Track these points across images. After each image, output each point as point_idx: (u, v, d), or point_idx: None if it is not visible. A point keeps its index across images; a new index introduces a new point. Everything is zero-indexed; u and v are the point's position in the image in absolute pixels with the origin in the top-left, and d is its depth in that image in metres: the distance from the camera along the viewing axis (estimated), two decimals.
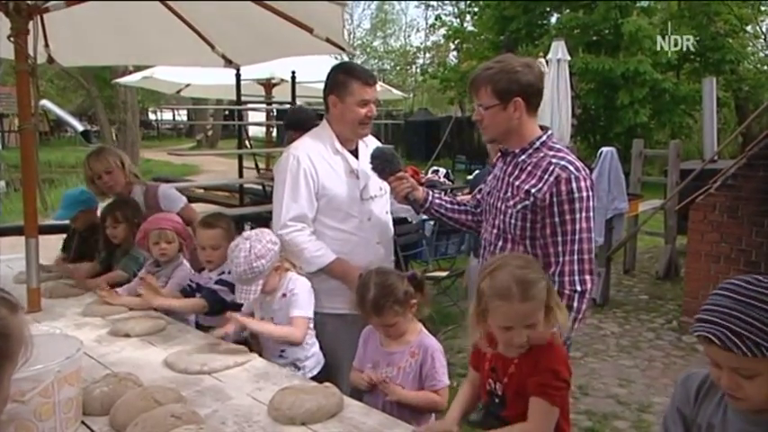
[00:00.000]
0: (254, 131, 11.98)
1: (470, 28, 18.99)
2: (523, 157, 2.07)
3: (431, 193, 2.43)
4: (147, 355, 2.19)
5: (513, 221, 2.04)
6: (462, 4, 21.36)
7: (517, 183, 2.04)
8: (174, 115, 33.30)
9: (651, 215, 6.51)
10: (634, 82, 13.32)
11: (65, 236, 3.64)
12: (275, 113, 7.57)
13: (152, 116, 34.55)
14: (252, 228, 4.05)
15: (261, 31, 3.30)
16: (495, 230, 2.13)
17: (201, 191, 7.22)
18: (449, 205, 2.43)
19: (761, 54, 18.16)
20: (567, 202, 1.95)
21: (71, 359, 1.60)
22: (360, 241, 2.49)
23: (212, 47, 3.56)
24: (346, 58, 4.31)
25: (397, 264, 3.05)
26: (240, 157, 6.67)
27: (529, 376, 1.63)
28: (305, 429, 1.65)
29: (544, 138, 2.07)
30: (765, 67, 17.27)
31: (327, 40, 3.12)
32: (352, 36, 36.10)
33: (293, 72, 6.60)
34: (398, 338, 2.07)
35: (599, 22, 13.93)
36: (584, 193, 1.96)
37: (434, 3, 27.43)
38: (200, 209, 3.97)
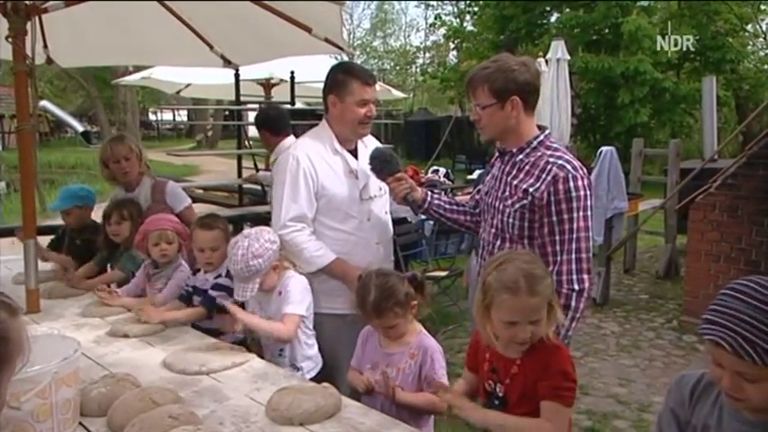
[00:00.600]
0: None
1: (470, 27, 18.94)
2: (521, 156, 2.07)
3: (429, 193, 2.43)
4: (146, 356, 2.19)
5: (511, 221, 2.04)
6: (462, 4, 21.30)
7: (515, 182, 2.04)
8: (174, 115, 33.25)
9: (651, 214, 6.50)
10: (634, 81, 13.29)
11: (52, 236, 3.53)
12: None
13: (152, 116, 34.51)
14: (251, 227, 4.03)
15: (259, 30, 3.29)
16: (493, 230, 2.13)
17: (201, 191, 7.22)
18: (447, 206, 2.43)
19: (761, 53, 18.13)
20: (564, 201, 1.95)
21: (68, 360, 1.59)
22: (359, 241, 2.49)
23: (211, 47, 3.56)
24: (346, 58, 4.29)
25: (397, 263, 3.04)
26: (239, 158, 6.67)
27: (536, 378, 1.63)
28: (303, 430, 1.65)
29: (542, 137, 2.07)
30: (765, 66, 17.22)
31: (326, 40, 3.12)
32: (351, 36, 36.10)
33: (292, 72, 6.60)
34: (398, 339, 2.06)
35: (599, 22, 13.91)
36: (582, 192, 1.96)
37: (434, 2, 27.37)
38: (200, 209, 3.96)
